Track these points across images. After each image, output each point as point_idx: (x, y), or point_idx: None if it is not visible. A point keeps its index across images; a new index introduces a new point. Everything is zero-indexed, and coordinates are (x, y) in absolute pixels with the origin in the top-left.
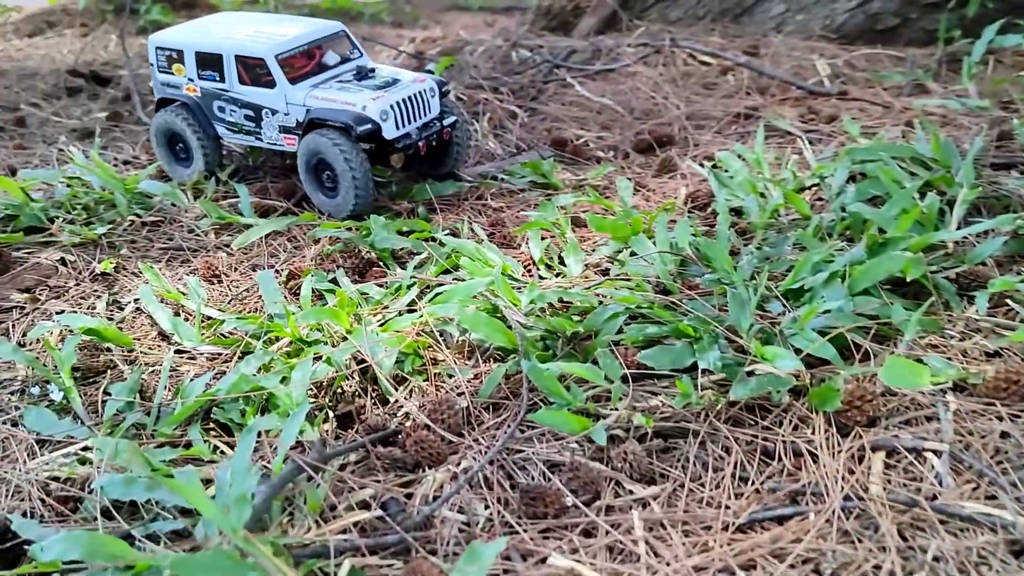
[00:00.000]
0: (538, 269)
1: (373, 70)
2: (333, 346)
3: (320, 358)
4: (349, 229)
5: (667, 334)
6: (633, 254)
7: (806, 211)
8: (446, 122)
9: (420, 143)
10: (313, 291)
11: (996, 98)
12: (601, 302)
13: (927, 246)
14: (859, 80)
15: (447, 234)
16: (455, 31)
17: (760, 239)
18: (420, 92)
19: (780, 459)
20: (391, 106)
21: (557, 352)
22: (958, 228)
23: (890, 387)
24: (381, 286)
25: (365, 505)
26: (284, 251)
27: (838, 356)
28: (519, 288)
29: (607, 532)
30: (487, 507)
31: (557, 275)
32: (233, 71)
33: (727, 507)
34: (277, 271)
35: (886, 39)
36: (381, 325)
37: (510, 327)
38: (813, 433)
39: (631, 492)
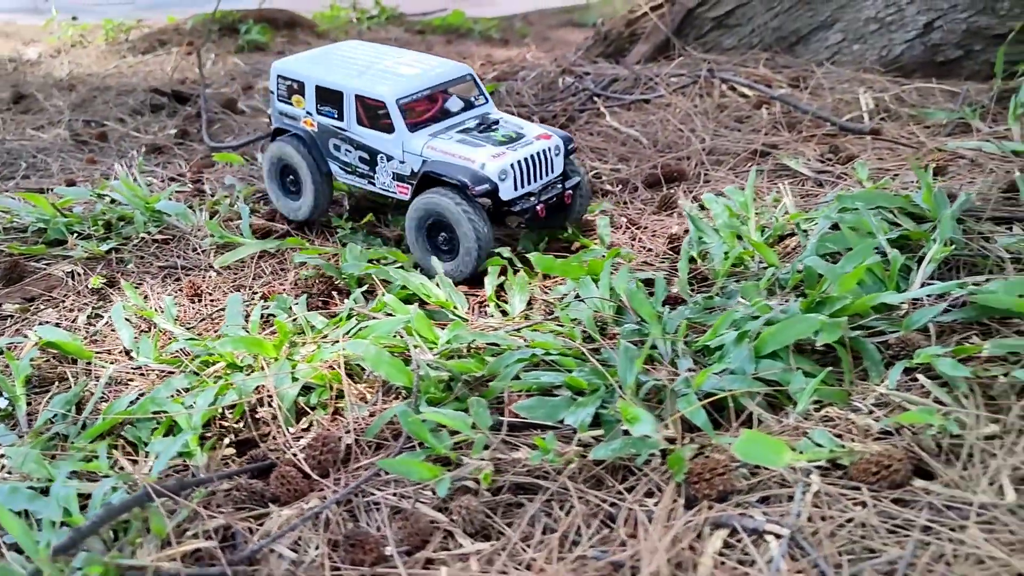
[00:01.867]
0: (487, 307)
1: (497, 122)
2: (261, 371)
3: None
4: (327, 256)
5: (560, 384)
6: (578, 297)
7: (773, 261)
8: (568, 184)
9: (539, 207)
10: (268, 316)
11: None
12: (519, 347)
13: (875, 307)
14: (903, 116)
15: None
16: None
17: (719, 288)
18: (544, 150)
19: (619, 526)
20: (512, 165)
21: (458, 394)
22: (922, 287)
23: (745, 461)
24: (329, 316)
25: (211, 535)
26: (270, 273)
27: (708, 423)
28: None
29: None
30: (318, 548)
31: (504, 314)
32: (352, 111)
33: (542, 571)
34: (252, 293)
35: (947, 72)
36: (308, 356)
37: (417, 368)
38: (658, 503)
39: (460, 546)
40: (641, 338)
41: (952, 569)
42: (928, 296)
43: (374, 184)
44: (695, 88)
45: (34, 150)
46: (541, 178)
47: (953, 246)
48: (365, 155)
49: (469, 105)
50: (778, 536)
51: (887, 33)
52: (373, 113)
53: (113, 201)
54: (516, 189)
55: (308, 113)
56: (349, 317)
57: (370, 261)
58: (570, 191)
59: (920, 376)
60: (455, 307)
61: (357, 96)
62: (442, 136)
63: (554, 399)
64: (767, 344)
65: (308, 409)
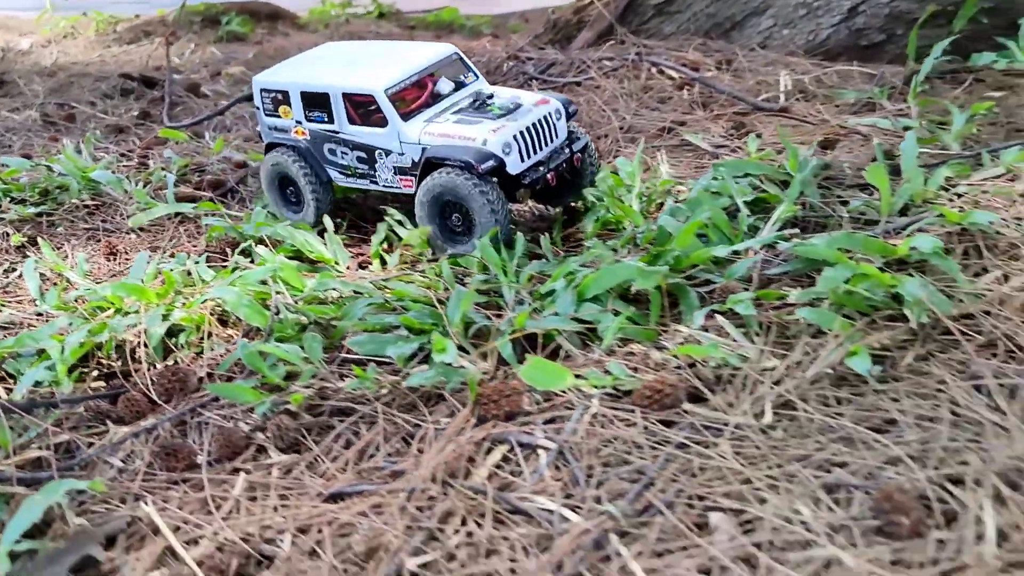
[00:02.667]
0: (371, 262)
1: (491, 95)
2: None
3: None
4: (236, 218)
5: (399, 325)
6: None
7: (638, 221)
8: (576, 147)
9: (549, 175)
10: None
11: (929, 117)
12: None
13: (716, 260)
14: (819, 96)
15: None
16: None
17: (586, 248)
18: (545, 116)
19: (415, 443)
20: (514, 137)
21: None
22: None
23: (531, 385)
24: (214, 268)
25: (52, 448)
26: (186, 236)
27: (513, 356)
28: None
29: (209, 488)
30: (144, 458)
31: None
32: (342, 110)
33: (333, 477)
34: (164, 253)
35: (871, 55)
36: (186, 303)
37: (278, 312)
38: (453, 423)
39: (269, 458)
40: (490, 287)
41: (694, 479)
42: (760, 249)
43: (376, 183)
44: (624, 71)
45: (2, 129)
46: (546, 145)
47: (800, 207)
48: (362, 154)
49: (460, 85)
50: (547, 449)
51: (814, 18)
52: (363, 109)
53: (54, 171)
54: (523, 160)
55: (297, 122)
56: (234, 270)
57: None
58: (579, 154)
59: (719, 317)
60: (336, 262)
61: (344, 95)
62: (437, 120)
63: (384, 336)
64: (589, 289)
65: (175, 348)
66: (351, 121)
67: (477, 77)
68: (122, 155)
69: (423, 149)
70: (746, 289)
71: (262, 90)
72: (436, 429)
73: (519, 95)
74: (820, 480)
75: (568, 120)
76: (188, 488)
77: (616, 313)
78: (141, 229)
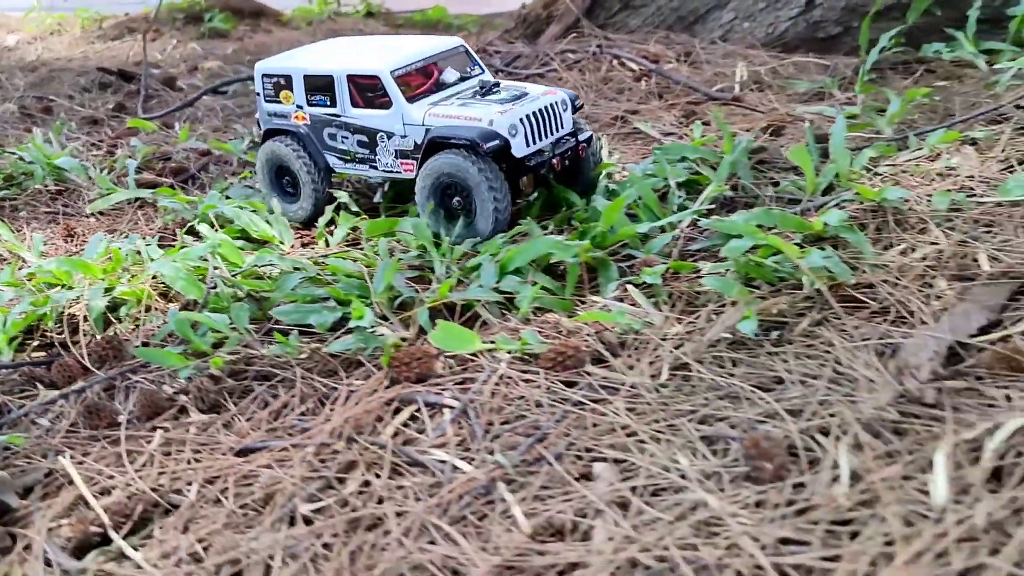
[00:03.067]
0: (316, 241)
1: (498, 84)
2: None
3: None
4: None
5: (327, 296)
6: (392, 234)
7: (576, 203)
8: (581, 138)
9: (554, 160)
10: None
11: (874, 105)
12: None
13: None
14: (773, 87)
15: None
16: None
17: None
18: (551, 105)
19: (329, 404)
20: (520, 120)
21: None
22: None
23: (441, 349)
24: (162, 247)
25: None
26: (145, 220)
27: (428, 323)
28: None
29: (126, 444)
30: (69, 418)
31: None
32: (345, 93)
33: (247, 434)
34: (120, 234)
35: (828, 47)
36: (132, 277)
37: (215, 286)
38: (366, 384)
39: (189, 418)
40: (422, 263)
41: (585, 433)
42: (687, 226)
43: (376, 167)
44: (585, 63)
45: None
46: (552, 133)
47: (731, 188)
48: (364, 138)
49: (465, 77)
50: (452, 408)
51: (773, 11)
52: (368, 92)
53: (22, 159)
54: (528, 145)
55: (298, 107)
56: (180, 248)
57: None
58: (584, 143)
59: (631, 288)
60: (280, 241)
61: (349, 76)
62: (443, 104)
63: (310, 306)
64: (512, 262)
65: (116, 320)
66: (354, 104)
67: (483, 71)
68: (93, 144)
69: (427, 131)
70: (665, 263)
71: (264, 75)
72: (350, 391)
73: (526, 86)
74: (700, 432)
75: (573, 113)
76: (107, 444)
77: (535, 285)
78: (101, 213)
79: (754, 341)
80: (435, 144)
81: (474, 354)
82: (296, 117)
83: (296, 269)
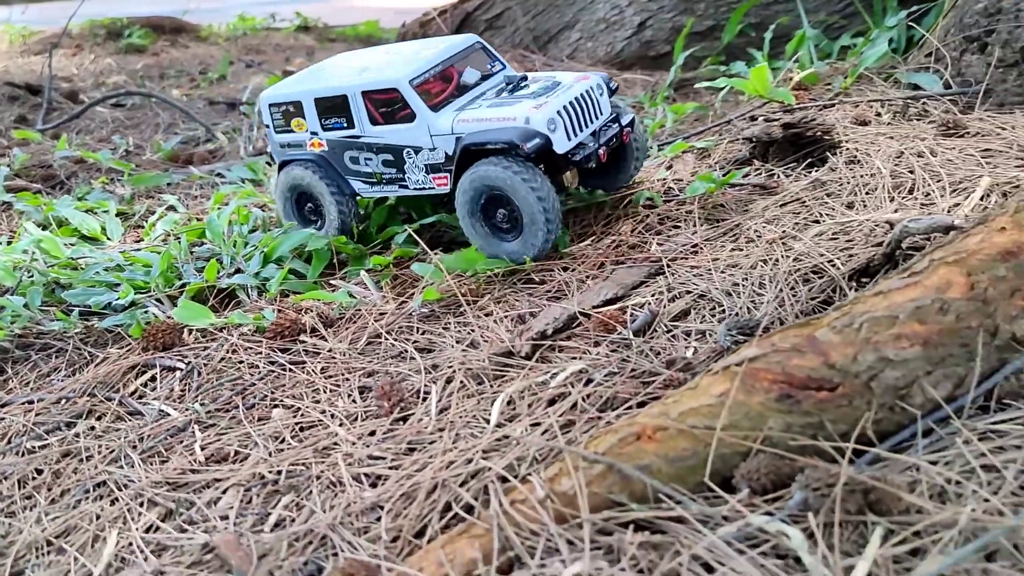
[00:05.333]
0: (141, 239)
1: (525, 77)
2: None
3: None
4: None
5: (120, 283)
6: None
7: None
8: (623, 121)
9: (600, 151)
10: None
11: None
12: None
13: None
14: None
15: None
16: None
17: None
18: (588, 91)
19: (89, 368)
20: (558, 112)
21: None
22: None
23: (184, 323)
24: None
25: None
26: (8, 221)
27: (189, 303)
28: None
29: None
30: None
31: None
32: (362, 111)
33: (10, 393)
34: None
35: (659, 64)
36: None
37: (31, 274)
38: (121, 352)
39: None
40: (213, 254)
41: (279, 386)
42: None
43: (407, 186)
44: None
45: None
46: (592, 122)
47: None
48: (389, 156)
49: (487, 76)
50: (181, 370)
51: (611, 32)
52: (386, 107)
53: None
54: (570, 138)
55: (313, 134)
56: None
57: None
58: (627, 128)
59: (363, 273)
60: (108, 238)
61: (364, 93)
62: (470, 107)
63: (93, 289)
64: (275, 252)
65: None
66: (373, 122)
67: (504, 66)
68: None
69: (457, 139)
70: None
71: (271, 105)
72: (106, 357)
73: (556, 75)
74: (359, 384)
75: (610, 96)
76: None
77: (292, 272)
78: None
79: (441, 314)
80: (470, 153)
81: (223, 328)
82: (312, 145)
83: (111, 261)
